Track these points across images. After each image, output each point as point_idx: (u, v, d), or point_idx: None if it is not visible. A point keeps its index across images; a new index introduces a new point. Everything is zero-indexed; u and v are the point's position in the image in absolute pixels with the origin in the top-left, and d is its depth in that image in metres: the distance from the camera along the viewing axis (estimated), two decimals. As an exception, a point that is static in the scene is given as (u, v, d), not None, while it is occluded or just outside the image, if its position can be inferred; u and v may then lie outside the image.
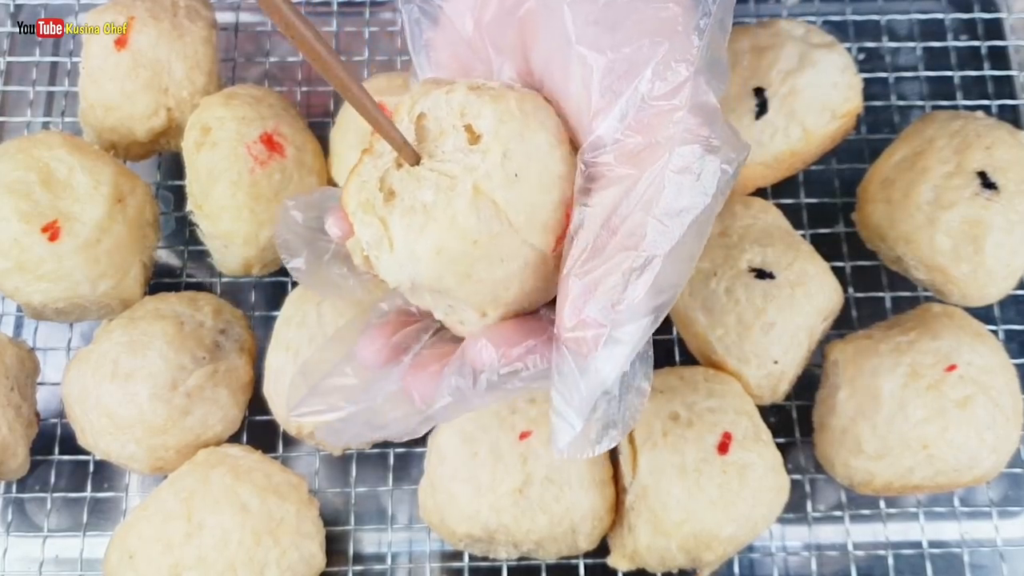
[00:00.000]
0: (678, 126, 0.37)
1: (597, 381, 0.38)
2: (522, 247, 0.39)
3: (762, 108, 0.71)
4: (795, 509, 0.67)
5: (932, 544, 0.68)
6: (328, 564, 0.63)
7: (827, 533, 0.69)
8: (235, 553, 0.59)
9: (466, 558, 0.67)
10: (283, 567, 0.60)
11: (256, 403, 0.68)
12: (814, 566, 0.67)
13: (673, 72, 0.37)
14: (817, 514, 0.69)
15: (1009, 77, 0.82)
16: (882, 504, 0.69)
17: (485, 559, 0.66)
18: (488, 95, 0.40)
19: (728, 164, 0.38)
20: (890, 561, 0.67)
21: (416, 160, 0.40)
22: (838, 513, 0.69)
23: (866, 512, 0.69)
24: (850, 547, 0.68)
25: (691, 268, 0.39)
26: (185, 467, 0.63)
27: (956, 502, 0.69)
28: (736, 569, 0.67)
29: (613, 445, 0.41)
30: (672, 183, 0.37)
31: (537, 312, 0.43)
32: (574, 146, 0.41)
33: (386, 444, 0.69)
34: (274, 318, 0.68)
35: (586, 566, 0.66)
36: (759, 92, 0.71)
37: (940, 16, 0.84)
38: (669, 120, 0.37)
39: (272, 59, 0.82)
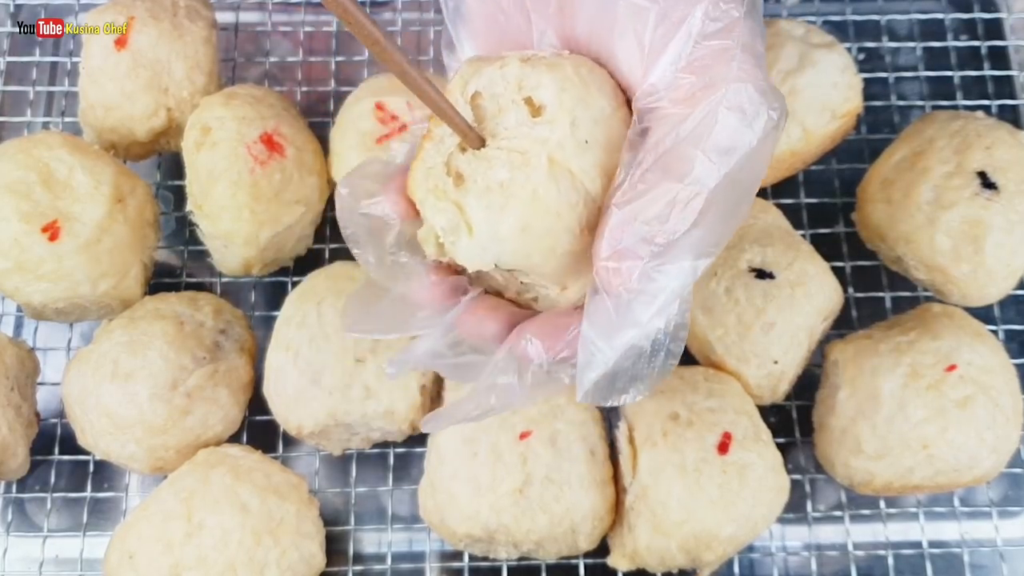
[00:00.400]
0: (732, 64, 0.36)
1: (630, 319, 0.37)
2: (599, 214, 0.38)
3: (762, 108, 0.71)
4: (795, 509, 0.67)
5: (932, 544, 0.68)
6: (328, 564, 0.63)
7: (827, 533, 0.69)
8: (235, 553, 0.59)
9: (466, 558, 0.67)
10: (283, 567, 0.60)
11: (256, 403, 0.68)
12: (814, 566, 0.67)
13: (724, 12, 0.37)
14: (817, 514, 0.69)
15: (1009, 77, 0.82)
16: (882, 504, 0.69)
17: (485, 559, 0.66)
18: (543, 64, 0.39)
19: (774, 111, 0.37)
20: (890, 561, 0.67)
21: (481, 143, 0.39)
22: (838, 513, 0.69)
23: (866, 512, 0.69)
24: (850, 547, 0.68)
25: (733, 227, 0.38)
26: (185, 467, 0.63)
27: (956, 502, 0.69)
28: (736, 569, 0.67)
29: (637, 399, 0.40)
30: (724, 119, 0.36)
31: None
32: (629, 107, 0.40)
33: (386, 444, 0.69)
34: (274, 318, 0.68)
35: (586, 566, 0.66)
36: (759, 92, 0.71)
37: (940, 16, 0.84)
38: (724, 59, 0.36)
39: (272, 59, 0.82)
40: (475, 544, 0.62)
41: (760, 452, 0.61)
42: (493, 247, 0.39)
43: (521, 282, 0.42)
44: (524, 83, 0.39)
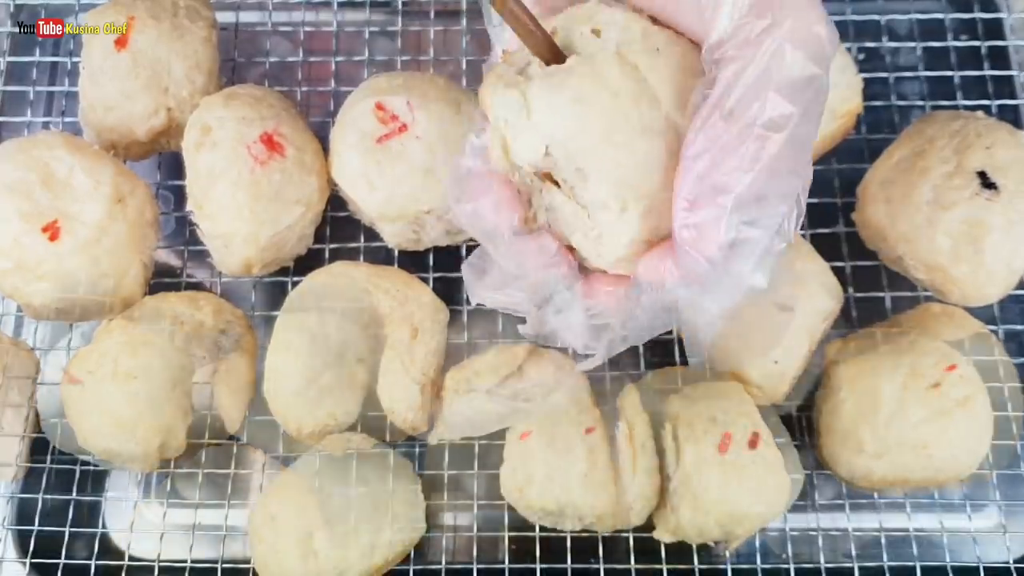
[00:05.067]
0: (788, 1, 0.36)
1: (731, 277, 0.36)
2: (665, 124, 0.38)
3: (762, 108, 0.71)
4: (802, 498, 0.69)
5: (917, 530, 0.69)
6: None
7: (830, 519, 0.71)
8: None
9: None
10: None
11: (256, 403, 0.68)
12: (820, 543, 0.69)
13: None
14: (822, 502, 0.71)
15: (1009, 77, 0.82)
16: (875, 496, 0.70)
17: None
18: (619, 8, 0.40)
19: (831, 44, 0.36)
20: (883, 541, 0.69)
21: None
22: (839, 502, 0.70)
23: (862, 502, 0.71)
24: (849, 529, 0.70)
25: (809, 167, 0.37)
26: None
27: (935, 495, 0.70)
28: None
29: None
30: (791, 53, 0.35)
31: None
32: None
33: (386, 445, 0.69)
34: (274, 318, 0.68)
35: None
36: (759, 92, 0.71)
37: (940, 16, 0.84)
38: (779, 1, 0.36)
39: (272, 59, 0.82)
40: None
41: (781, 447, 0.63)
42: (545, 124, 0.39)
43: (580, 205, 0.41)
44: (594, 17, 0.40)
